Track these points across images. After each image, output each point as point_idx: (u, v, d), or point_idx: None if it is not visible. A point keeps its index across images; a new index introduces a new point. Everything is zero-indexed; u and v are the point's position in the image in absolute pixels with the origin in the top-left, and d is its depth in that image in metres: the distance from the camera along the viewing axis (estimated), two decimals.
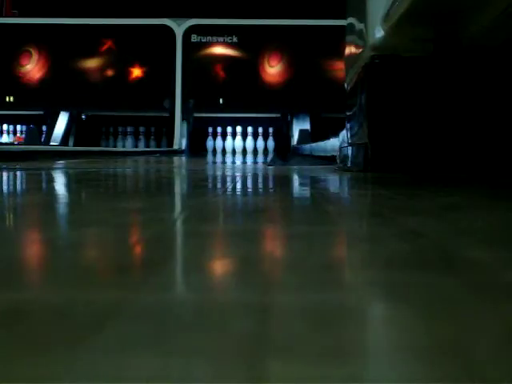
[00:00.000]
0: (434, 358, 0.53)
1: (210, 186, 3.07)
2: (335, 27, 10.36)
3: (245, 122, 12.15)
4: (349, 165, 4.41)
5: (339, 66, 9.75)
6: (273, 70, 11.97)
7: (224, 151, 12.08)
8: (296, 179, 3.60)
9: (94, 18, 11.93)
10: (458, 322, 0.64)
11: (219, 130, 12.24)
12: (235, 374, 0.50)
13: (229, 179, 3.58)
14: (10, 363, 0.52)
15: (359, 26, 4.10)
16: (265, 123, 12.16)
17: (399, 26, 3.27)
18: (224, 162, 7.44)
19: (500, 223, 1.45)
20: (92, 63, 12.12)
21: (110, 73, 12.16)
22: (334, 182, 3.31)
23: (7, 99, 12.04)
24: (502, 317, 0.66)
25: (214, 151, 12.07)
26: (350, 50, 4.96)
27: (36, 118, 12.01)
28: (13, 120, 12.28)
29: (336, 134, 5.72)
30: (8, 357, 0.53)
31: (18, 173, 3.96)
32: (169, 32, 11.98)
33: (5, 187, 2.96)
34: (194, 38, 12.05)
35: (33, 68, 12.06)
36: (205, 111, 12.00)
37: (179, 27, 11.99)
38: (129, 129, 12.44)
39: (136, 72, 12.09)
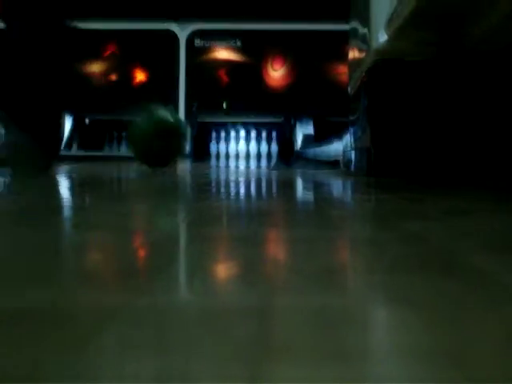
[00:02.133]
0: (436, 360, 0.53)
1: (214, 190, 3.07)
2: (339, 31, 10.37)
3: (248, 126, 12.17)
4: (352, 169, 4.41)
5: (343, 70, 9.76)
6: (276, 73, 11.98)
7: (227, 155, 12.09)
8: (299, 183, 3.60)
9: (97, 23, 11.95)
10: (461, 324, 0.64)
11: (222, 134, 12.25)
12: (235, 376, 0.50)
13: (232, 183, 3.59)
14: (10, 363, 0.52)
15: (362, 30, 4.11)
16: (268, 127, 12.17)
17: (402, 30, 3.27)
18: (227, 167, 7.44)
19: (504, 227, 1.45)
20: (95, 67, 12.14)
21: (113, 77, 12.18)
22: (337, 187, 3.31)
23: None
24: (504, 320, 0.66)
25: (218, 155, 12.08)
26: (353, 54, 4.97)
27: None
28: None
29: (339, 139, 5.72)
30: (8, 356, 0.53)
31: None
32: (172, 36, 12.00)
33: (9, 191, 2.96)
34: (198, 42, 12.07)
35: None
36: (208, 115, 12.02)
37: (182, 31, 12.02)
38: None
39: (139, 76, 12.11)
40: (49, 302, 0.73)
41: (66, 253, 1.15)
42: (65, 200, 2.52)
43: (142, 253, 1.14)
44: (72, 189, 3.21)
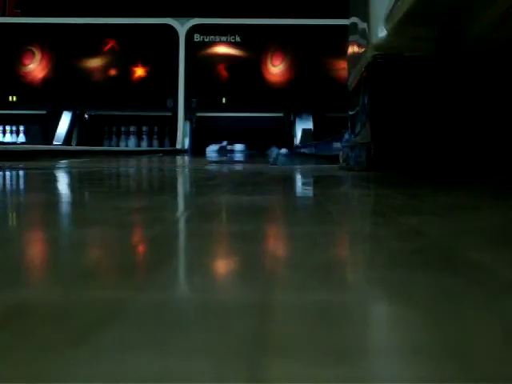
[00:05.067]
0: (436, 357, 0.53)
1: (213, 185, 3.07)
2: (338, 27, 10.36)
3: (247, 122, 12.16)
4: (351, 164, 4.41)
5: (342, 66, 9.75)
6: (275, 69, 11.97)
7: (227, 150, 12.08)
8: (298, 179, 3.60)
9: (96, 18, 11.94)
10: (459, 321, 0.64)
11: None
12: (235, 374, 0.50)
13: (231, 178, 3.59)
14: (10, 363, 0.52)
15: (362, 25, 4.10)
16: (267, 122, 12.16)
17: (401, 25, 3.27)
18: (227, 162, 7.43)
19: (502, 223, 1.45)
20: (95, 63, 12.13)
21: (112, 72, 12.16)
22: (336, 182, 3.31)
23: (10, 99, 12.06)
24: (503, 316, 0.66)
25: (217, 150, 12.07)
26: (352, 49, 4.96)
27: (39, 118, 12.02)
28: (16, 120, 12.28)
29: (339, 134, 5.72)
30: (8, 357, 0.53)
31: (22, 172, 3.96)
32: (172, 31, 11.99)
33: (8, 186, 2.96)
34: (197, 37, 12.05)
35: (36, 67, 12.08)
36: (208, 111, 12.01)
37: (182, 27, 12.00)
38: (132, 128, 12.44)
39: (139, 71, 12.10)
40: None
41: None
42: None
43: (141, 247, 1.14)
44: (71, 184, 3.21)
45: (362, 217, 1.72)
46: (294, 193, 2.75)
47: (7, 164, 4.25)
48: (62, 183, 3.28)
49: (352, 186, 3.04)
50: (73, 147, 11.18)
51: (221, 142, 12.12)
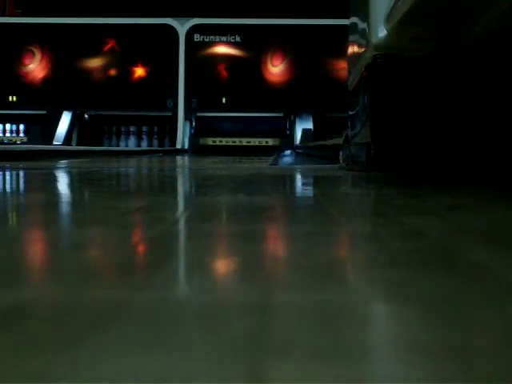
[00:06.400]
0: (436, 357, 0.53)
1: (213, 185, 3.07)
2: (338, 27, 10.36)
3: (247, 122, 12.16)
4: (351, 164, 4.41)
5: (342, 66, 9.75)
6: (276, 69, 11.98)
7: (227, 150, 12.08)
8: (298, 179, 3.60)
9: (96, 18, 11.94)
10: (459, 321, 0.64)
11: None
12: (235, 374, 0.50)
13: (231, 179, 3.58)
14: (10, 363, 0.52)
15: (362, 25, 4.10)
16: (267, 122, 12.17)
17: (402, 25, 3.27)
18: (227, 162, 7.43)
19: (502, 223, 1.45)
20: (95, 63, 12.13)
21: (112, 72, 12.17)
22: (336, 182, 3.31)
23: (10, 99, 12.06)
24: (503, 316, 0.66)
25: (217, 150, 12.07)
26: (352, 49, 4.96)
27: (39, 118, 12.02)
28: (16, 119, 12.29)
29: (339, 134, 5.72)
30: (8, 357, 0.53)
31: (22, 172, 3.96)
32: (172, 31, 11.99)
33: (8, 186, 2.96)
34: (197, 37, 12.06)
35: (36, 67, 12.08)
36: (208, 111, 12.01)
37: (182, 27, 12.00)
38: (132, 128, 12.45)
39: (139, 71, 12.10)
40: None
41: None
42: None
43: (141, 247, 1.14)
44: (71, 184, 3.21)
45: (362, 217, 1.72)
46: (294, 193, 2.75)
47: (7, 164, 4.25)
48: (62, 183, 3.28)
49: (352, 186, 3.03)
50: (73, 147, 11.19)
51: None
